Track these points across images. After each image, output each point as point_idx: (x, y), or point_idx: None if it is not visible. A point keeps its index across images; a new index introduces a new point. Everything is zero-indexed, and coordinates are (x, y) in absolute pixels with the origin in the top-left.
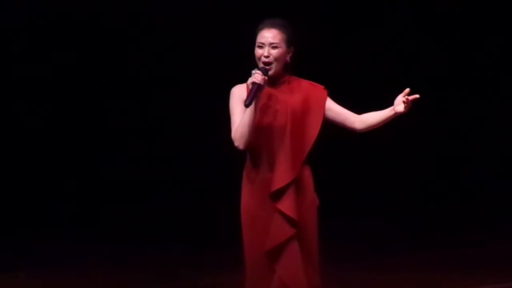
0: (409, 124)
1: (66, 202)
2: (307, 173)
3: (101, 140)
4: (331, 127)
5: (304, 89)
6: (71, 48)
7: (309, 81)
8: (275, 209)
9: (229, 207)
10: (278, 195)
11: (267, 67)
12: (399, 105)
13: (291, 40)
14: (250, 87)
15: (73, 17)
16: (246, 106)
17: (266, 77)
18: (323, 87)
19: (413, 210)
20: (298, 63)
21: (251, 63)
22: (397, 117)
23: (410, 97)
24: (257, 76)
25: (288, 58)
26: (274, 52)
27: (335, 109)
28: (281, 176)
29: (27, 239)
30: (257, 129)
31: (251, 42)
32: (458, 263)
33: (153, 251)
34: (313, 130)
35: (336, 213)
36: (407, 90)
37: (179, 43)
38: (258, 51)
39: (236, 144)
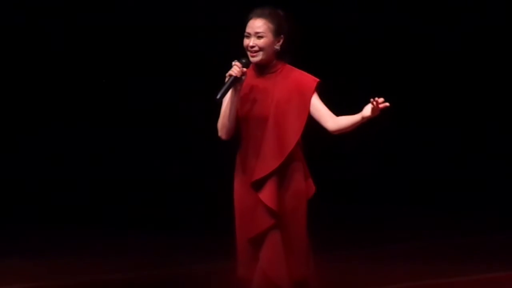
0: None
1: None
2: (297, 164)
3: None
4: None
5: (294, 79)
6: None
7: (302, 71)
8: (258, 198)
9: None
10: (259, 184)
11: (253, 54)
12: (367, 109)
13: (280, 29)
14: (226, 79)
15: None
16: (218, 99)
17: (245, 69)
18: (314, 78)
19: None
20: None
21: None
22: (366, 121)
23: (381, 104)
24: (235, 69)
25: (277, 47)
26: (260, 42)
27: (315, 104)
28: (263, 166)
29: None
30: (242, 118)
31: None
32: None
33: (148, 237)
34: (299, 122)
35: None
36: (380, 99)
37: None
38: (245, 41)
39: (219, 134)
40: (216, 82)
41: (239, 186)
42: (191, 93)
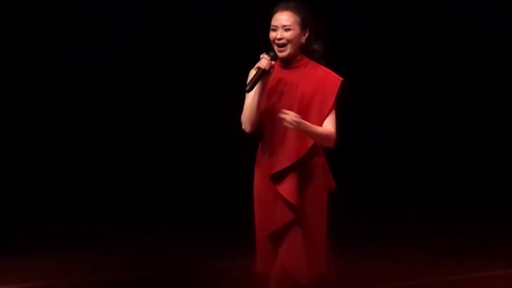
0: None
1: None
2: (317, 160)
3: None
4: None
5: (318, 75)
6: None
7: (326, 68)
8: (278, 193)
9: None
10: (278, 178)
11: (280, 49)
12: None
13: (306, 22)
14: (255, 71)
15: None
16: (247, 91)
17: (273, 62)
18: (338, 77)
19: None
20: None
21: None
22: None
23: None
24: (263, 61)
25: (303, 40)
26: (287, 34)
27: None
28: (283, 159)
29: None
30: (266, 111)
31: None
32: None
33: (165, 234)
34: (321, 117)
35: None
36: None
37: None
38: (272, 34)
39: (243, 127)
40: None
41: (259, 180)
42: None
